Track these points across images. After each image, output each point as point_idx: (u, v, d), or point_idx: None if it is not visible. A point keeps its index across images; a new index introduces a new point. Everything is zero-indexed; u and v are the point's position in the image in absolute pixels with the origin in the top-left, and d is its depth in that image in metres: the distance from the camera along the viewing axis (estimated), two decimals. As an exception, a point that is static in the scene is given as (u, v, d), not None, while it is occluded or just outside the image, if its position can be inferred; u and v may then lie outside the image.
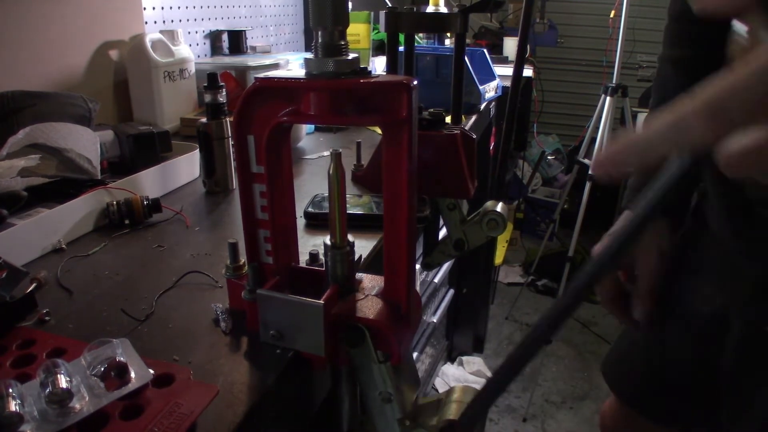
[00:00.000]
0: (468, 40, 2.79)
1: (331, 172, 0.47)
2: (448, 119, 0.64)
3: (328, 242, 0.51)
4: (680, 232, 0.83)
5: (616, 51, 2.14)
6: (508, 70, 1.80)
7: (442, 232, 1.03)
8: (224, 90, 0.92)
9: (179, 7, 1.49)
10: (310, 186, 0.94)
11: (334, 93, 0.45)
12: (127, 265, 0.68)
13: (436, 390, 1.99)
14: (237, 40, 1.71)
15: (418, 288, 0.74)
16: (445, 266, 1.72)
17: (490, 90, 1.56)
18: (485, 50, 1.72)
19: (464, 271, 2.08)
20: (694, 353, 0.82)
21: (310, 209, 0.80)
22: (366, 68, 0.46)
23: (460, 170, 0.60)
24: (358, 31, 1.56)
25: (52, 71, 1.10)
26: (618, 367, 0.99)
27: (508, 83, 0.98)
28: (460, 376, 2.13)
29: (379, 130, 0.76)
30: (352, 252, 0.52)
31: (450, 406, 0.53)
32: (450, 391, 0.55)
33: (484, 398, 0.47)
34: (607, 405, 1.05)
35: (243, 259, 0.56)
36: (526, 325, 2.61)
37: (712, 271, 0.78)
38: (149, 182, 0.87)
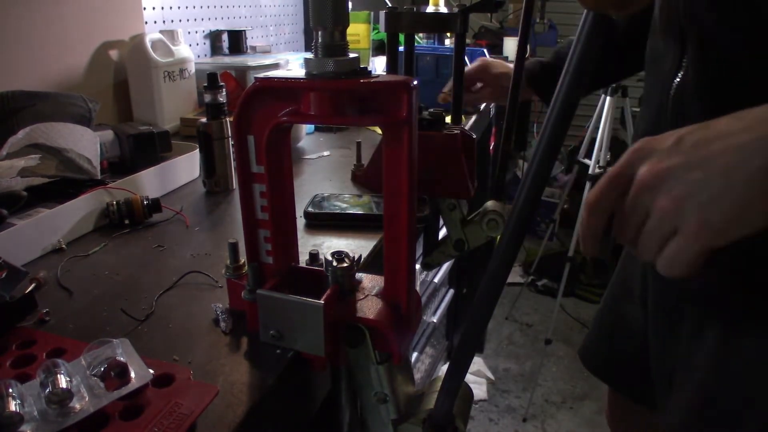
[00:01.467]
0: (468, 40, 2.79)
1: None
2: (448, 119, 0.64)
3: (329, 257, 0.51)
4: None
5: (616, 51, 2.13)
6: (508, 70, 1.80)
7: (442, 232, 1.03)
8: (224, 90, 0.92)
9: (179, 7, 1.49)
10: (310, 186, 0.94)
11: (334, 93, 0.45)
12: (127, 265, 0.68)
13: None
14: (237, 40, 1.71)
15: (418, 288, 0.73)
16: (445, 266, 1.71)
17: (490, 90, 1.56)
18: (485, 50, 1.72)
19: (464, 271, 2.08)
20: (636, 318, 0.87)
21: (310, 209, 0.80)
22: (366, 68, 0.46)
23: (460, 170, 0.60)
24: (358, 31, 1.56)
25: (52, 71, 1.10)
26: (589, 349, 1.04)
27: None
28: (460, 376, 2.13)
29: (379, 130, 0.76)
30: (353, 266, 0.52)
31: (431, 397, 0.53)
32: (432, 382, 0.55)
33: (449, 382, 0.49)
34: (608, 397, 1.10)
35: (243, 259, 0.56)
36: (526, 325, 2.61)
37: None
38: (149, 182, 0.87)
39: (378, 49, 2.03)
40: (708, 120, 0.45)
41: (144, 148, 0.97)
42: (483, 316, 0.47)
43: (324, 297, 0.47)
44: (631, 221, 0.44)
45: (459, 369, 0.50)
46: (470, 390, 0.59)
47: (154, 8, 1.39)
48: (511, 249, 0.44)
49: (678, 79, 0.63)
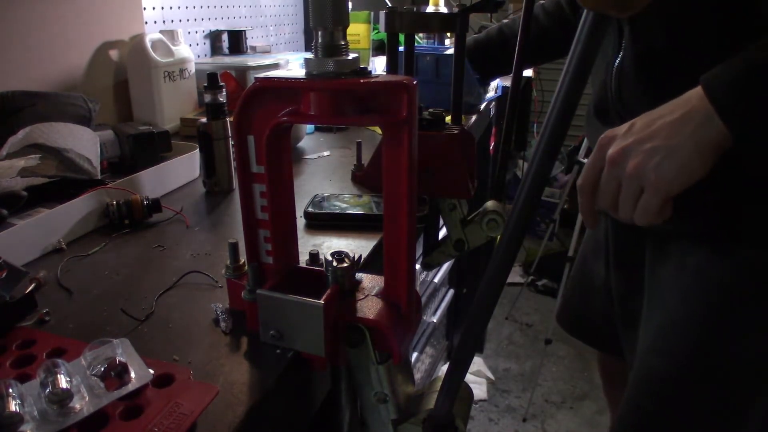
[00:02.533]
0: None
1: None
2: (448, 119, 0.64)
3: (329, 257, 0.51)
4: None
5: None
6: (508, 70, 1.80)
7: (442, 232, 1.03)
8: (224, 90, 0.92)
9: (179, 7, 1.49)
10: (310, 186, 0.94)
11: (334, 93, 0.45)
12: (127, 265, 0.68)
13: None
14: (237, 40, 1.71)
15: (418, 288, 0.74)
16: (445, 266, 1.71)
17: (490, 90, 1.56)
18: (485, 50, 1.72)
19: (464, 271, 2.08)
20: (608, 281, 0.96)
21: (310, 209, 0.80)
22: (366, 68, 0.46)
23: (460, 170, 0.60)
24: (358, 31, 1.56)
25: (52, 71, 1.10)
26: (563, 309, 1.14)
27: (508, 83, 0.99)
28: (460, 376, 2.13)
29: (379, 130, 0.76)
30: (353, 266, 0.52)
31: (431, 397, 0.53)
32: (432, 382, 0.55)
33: (449, 382, 0.50)
34: (598, 358, 1.21)
35: (243, 259, 0.56)
36: (526, 325, 2.61)
37: None
38: (149, 182, 0.87)
39: (378, 49, 2.03)
40: (641, 89, 0.68)
41: (144, 148, 0.97)
42: (483, 316, 0.47)
43: (324, 297, 0.47)
44: (608, 191, 0.60)
45: (459, 369, 0.50)
46: (470, 390, 0.59)
47: (154, 8, 1.39)
48: (511, 249, 0.45)
49: (618, 60, 0.77)
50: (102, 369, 0.45)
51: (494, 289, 0.46)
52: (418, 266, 0.69)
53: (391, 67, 0.66)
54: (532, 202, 0.43)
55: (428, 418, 0.52)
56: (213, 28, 1.67)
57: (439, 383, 0.53)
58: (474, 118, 1.42)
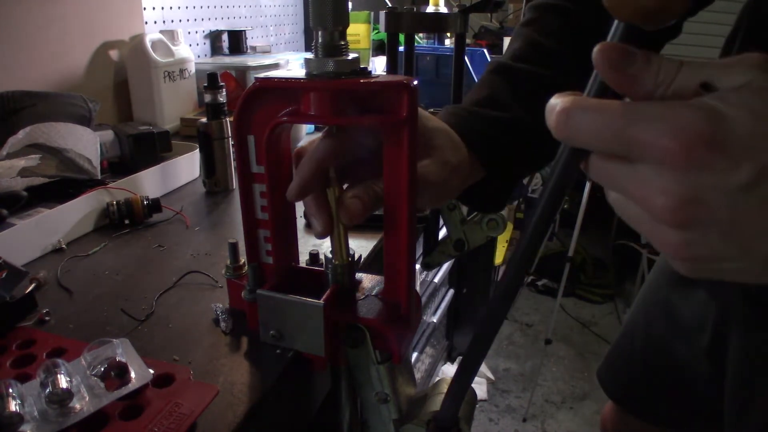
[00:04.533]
0: (468, 40, 2.78)
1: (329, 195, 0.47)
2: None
3: (329, 255, 0.51)
4: None
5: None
6: (508, 70, 1.80)
7: (442, 232, 1.03)
8: (224, 90, 0.92)
9: (179, 7, 1.49)
10: (310, 186, 0.94)
11: (334, 93, 0.45)
12: (127, 265, 0.68)
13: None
14: (237, 40, 1.71)
15: (418, 288, 0.73)
16: (445, 266, 1.71)
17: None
18: (485, 50, 1.72)
19: (464, 271, 2.08)
20: (693, 359, 0.82)
21: (310, 209, 0.79)
22: (366, 68, 0.46)
23: (460, 170, 0.60)
24: (358, 31, 1.56)
25: (52, 71, 1.10)
26: (614, 373, 0.99)
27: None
28: (460, 376, 2.13)
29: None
30: (353, 263, 0.52)
31: (435, 399, 0.53)
32: (436, 384, 0.55)
33: (457, 385, 0.48)
34: (607, 409, 1.06)
35: (243, 259, 0.56)
36: (526, 325, 2.61)
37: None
38: (149, 182, 0.87)
39: (378, 49, 2.03)
40: None
41: (144, 148, 0.97)
42: (495, 323, 0.46)
43: (324, 297, 0.47)
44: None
45: (467, 374, 0.49)
46: (474, 393, 0.59)
47: (154, 8, 1.39)
48: (528, 256, 0.41)
49: None
50: (102, 369, 0.45)
51: (508, 296, 0.44)
52: (418, 266, 0.69)
53: (391, 67, 0.66)
54: (553, 209, 0.35)
55: (433, 420, 0.52)
56: (213, 28, 1.67)
57: (443, 385, 0.53)
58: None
